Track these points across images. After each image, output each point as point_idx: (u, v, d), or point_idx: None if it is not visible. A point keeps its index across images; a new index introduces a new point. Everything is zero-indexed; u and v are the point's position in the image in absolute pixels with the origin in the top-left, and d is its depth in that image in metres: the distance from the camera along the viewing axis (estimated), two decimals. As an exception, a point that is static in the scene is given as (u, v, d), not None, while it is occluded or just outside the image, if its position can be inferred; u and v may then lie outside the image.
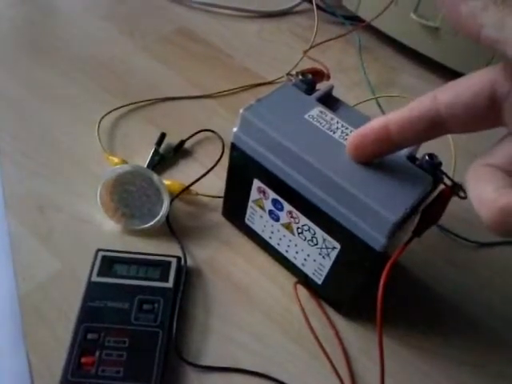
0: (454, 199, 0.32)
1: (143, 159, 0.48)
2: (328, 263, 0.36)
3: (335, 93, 0.38)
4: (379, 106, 0.57)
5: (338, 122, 0.34)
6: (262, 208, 0.38)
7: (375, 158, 0.31)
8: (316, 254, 0.37)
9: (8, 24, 0.63)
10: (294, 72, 0.37)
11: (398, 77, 0.64)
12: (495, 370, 0.39)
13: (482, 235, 0.46)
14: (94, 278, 0.38)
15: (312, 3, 0.66)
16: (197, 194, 0.46)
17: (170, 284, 0.39)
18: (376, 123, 0.29)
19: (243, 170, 0.37)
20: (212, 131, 0.51)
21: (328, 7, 0.70)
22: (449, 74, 0.60)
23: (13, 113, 0.52)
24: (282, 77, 0.56)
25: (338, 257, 0.35)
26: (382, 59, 0.66)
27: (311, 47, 0.57)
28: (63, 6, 0.67)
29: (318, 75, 0.38)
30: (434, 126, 0.27)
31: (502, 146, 0.25)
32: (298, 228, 0.36)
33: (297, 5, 0.72)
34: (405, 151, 0.33)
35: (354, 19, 0.69)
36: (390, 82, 0.63)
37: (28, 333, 0.36)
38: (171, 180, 0.46)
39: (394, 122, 0.28)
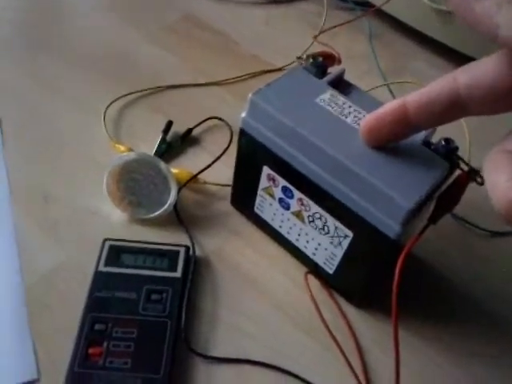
0: (470, 187, 0.30)
1: (150, 147, 0.47)
2: (340, 252, 0.35)
3: (345, 79, 0.37)
4: (391, 92, 0.56)
5: (350, 107, 0.33)
6: (272, 196, 0.38)
7: (389, 142, 0.30)
8: (327, 243, 0.36)
9: (12, 15, 0.62)
10: (304, 56, 0.36)
11: (410, 63, 0.62)
12: (509, 360, 0.38)
13: (496, 224, 0.45)
14: (101, 268, 0.38)
15: (321, -12, 0.65)
16: (205, 183, 0.45)
17: (178, 274, 0.38)
18: (393, 104, 0.28)
19: (252, 156, 0.36)
20: (220, 119, 0.50)
21: (337, -7, 0.69)
22: (461, 59, 0.59)
23: (18, 103, 0.51)
24: (292, 63, 0.55)
25: (350, 245, 0.34)
26: (392, 45, 0.65)
27: (321, 32, 0.56)
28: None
29: (329, 59, 0.37)
30: (454, 107, 0.26)
31: None
32: (309, 216, 0.36)
33: (305, -9, 0.71)
34: (420, 135, 0.32)
35: (364, 5, 0.67)
36: (402, 68, 0.61)
37: (34, 324, 0.36)
38: (179, 168, 0.45)
39: (412, 103, 0.27)
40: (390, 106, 0.28)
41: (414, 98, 0.27)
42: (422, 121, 0.28)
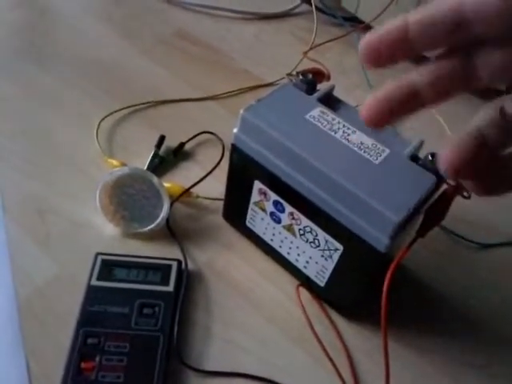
0: (457, 201, 0.31)
1: (143, 162, 0.47)
2: (330, 265, 0.36)
3: (336, 94, 0.38)
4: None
5: (339, 123, 0.34)
6: (263, 210, 0.38)
7: (387, 63, 0.27)
8: (318, 256, 0.36)
9: (7, 28, 0.63)
10: (294, 72, 0.37)
11: (399, 77, 0.63)
12: (499, 370, 0.39)
13: (483, 236, 0.46)
14: (94, 282, 0.38)
15: (311, 5, 0.66)
16: (197, 197, 0.45)
17: (170, 288, 0.38)
18: (395, 22, 0.25)
19: (244, 171, 0.37)
20: (212, 133, 0.51)
21: (327, 9, 0.70)
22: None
23: (11, 116, 0.51)
24: (282, 78, 0.56)
25: (340, 258, 0.35)
26: (382, 60, 0.66)
27: (311, 48, 0.57)
28: (62, 9, 0.67)
29: (319, 75, 0.38)
30: (458, 26, 0.24)
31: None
32: (300, 230, 0.36)
33: (296, 7, 0.72)
34: (407, 151, 0.32)
35: (353, 20, 0.68)
36: (391, 83, 0.62)
37: (27, 338, 0.36)
38: (171, 182, 0.45)
39: (415, 20, 0.25)
40: (391, 25, 0.25)
41: (417, 15, 0.25)
42: (424, 41, 0.25)
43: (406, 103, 0.27)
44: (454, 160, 0.25)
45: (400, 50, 0.26)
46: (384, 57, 0.26)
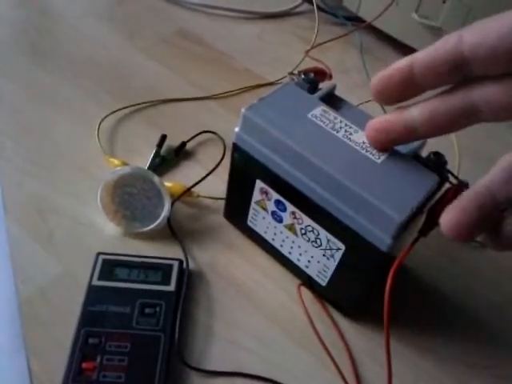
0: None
1: (144, 161, 0.47)
2: (332, 264, 0.36)
3: (337, 93, 0.37)
4: (382, 106, 0.57)
5: (341, 122, 0.33)
6: (265, 209, 0.38)
7: (398, 102, 0.29)
8: (320, 256, 0.36)
9: (8, 27, 0.63)
10: (296, 71, 0.37)
11: (400, 77, 0.63)
12: (502, 370, 0.39)
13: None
14: (95, 282, 0.38)
15: (313, 4, 0.66)
16: (198, 196, 0.45)
17: (171, 287, 0.38)
18: (401, 64, 0.27)
19: (245, 170, 0.37)
20: (213, 132, 0.51)
21: (329, 8, 0.70)
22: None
23: (12, 116, 0.51)
24: (284, 77, 0.56)
25: (342, 258, 0.35)
26: (383, 59, 0.66)
27: (312, 47, 0.57)
28: (63, 9, 0.67)
29: (321, 74, 0.38)
30: (458, 67, 0.25)
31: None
32: (302, 229, 0.36)
33: (297, 6, 0.72)
34: (410, 150, 0.32)
35: (355, 20, 0.68)
36: (392, 82, 0.62)
37: (28, 337, 0.36)
38: (172, 182, 0.45)
39: (419, 62, 0.26)
40: (398, 67, 0.27)
41: (421, 57, 0.26)
42: (428, 81, 0.27)
43: (404, 137, 0.29)
44: (457, 225, 0.25)
45: (406, 87, 0.27)
46: (393, 94, 0.28)
